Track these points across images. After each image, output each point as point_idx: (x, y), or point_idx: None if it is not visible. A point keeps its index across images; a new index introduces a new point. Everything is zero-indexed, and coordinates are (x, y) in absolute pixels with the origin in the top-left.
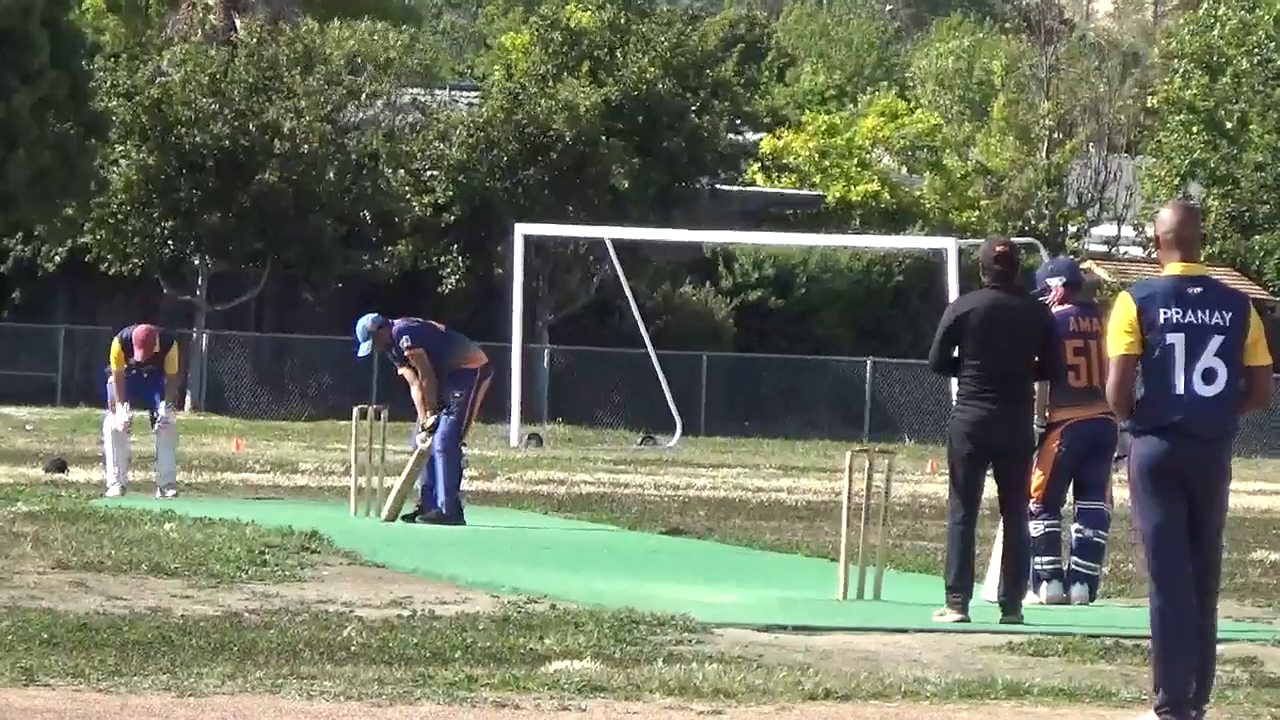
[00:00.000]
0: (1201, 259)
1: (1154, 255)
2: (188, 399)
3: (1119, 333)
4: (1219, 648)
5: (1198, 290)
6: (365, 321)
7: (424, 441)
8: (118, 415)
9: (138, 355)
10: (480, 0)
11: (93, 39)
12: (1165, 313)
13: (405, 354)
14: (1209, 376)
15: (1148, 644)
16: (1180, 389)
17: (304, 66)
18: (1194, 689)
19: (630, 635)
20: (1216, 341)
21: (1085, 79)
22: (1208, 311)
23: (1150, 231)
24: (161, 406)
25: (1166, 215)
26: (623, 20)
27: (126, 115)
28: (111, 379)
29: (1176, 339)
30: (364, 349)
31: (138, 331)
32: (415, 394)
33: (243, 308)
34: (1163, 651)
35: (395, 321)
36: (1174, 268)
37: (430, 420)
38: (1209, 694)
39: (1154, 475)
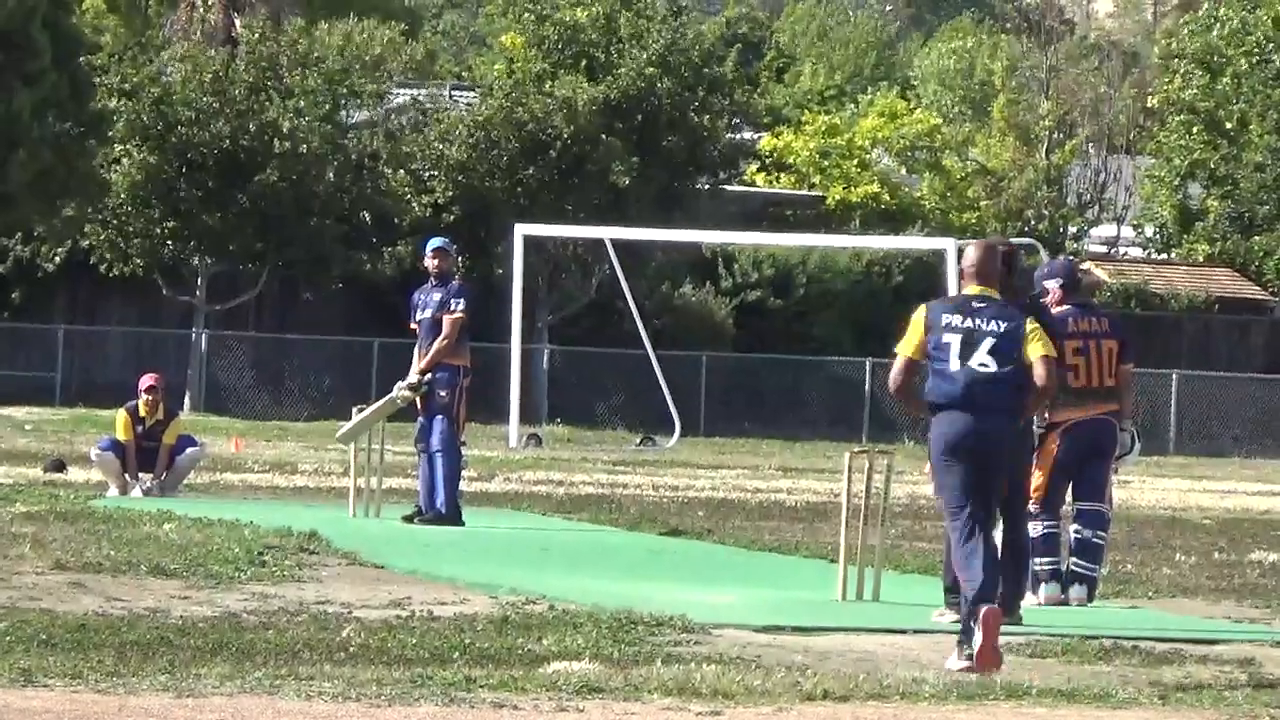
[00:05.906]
0: (997, 288)
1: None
2: (186, 399)
3: (907, 338)
4: (1218, 648)
5: (981, 305)
6: (447, 243)
7: (400, 393)
8: (132, 492)
9: (145, 400)
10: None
11: (93, 39)
12: (948, 319)
13: (452, 309)
14: (983, 365)
15: (1145, 644)
16: (956, 368)
17: (303, 66)
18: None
19: (629, 636)
20: (989, 343)
21: (1085, 79)
22: (984, 320)
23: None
24: (149, 479)
25: (970, 252)
26: (616, 14)
27: (128, 115)
28: (107, 454)
29: (954, 338)
30: (435, 242)
31: (146, 379)
32: (435, 344)
33: (242, 308)
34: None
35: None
36: (970, 289)
37: (415, 379)
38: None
39: (946, 447)
